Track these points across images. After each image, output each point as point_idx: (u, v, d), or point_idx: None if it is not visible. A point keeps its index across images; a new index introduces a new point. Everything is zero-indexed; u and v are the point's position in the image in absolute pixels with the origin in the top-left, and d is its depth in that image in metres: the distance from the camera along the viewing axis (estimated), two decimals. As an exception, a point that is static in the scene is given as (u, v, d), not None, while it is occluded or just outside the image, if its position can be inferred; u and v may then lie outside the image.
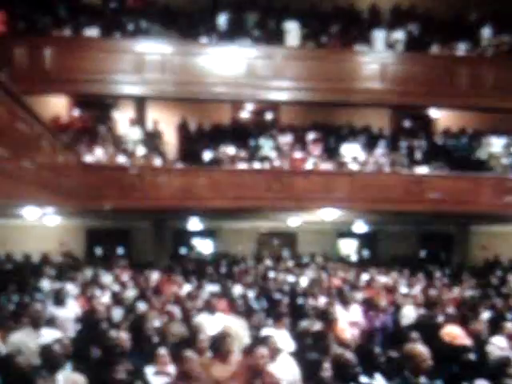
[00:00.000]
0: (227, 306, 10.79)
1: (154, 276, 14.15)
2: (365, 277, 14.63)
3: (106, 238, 18.88)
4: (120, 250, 19.08)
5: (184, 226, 18.99)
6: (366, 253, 21.03)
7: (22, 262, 16.57)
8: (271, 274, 14.71)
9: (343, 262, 18.24)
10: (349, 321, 9.35)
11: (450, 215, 16.85)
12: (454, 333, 7.87)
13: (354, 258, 20.69)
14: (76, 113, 17.88)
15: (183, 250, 19.88)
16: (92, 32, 15.52)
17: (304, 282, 13.79)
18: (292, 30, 16.09)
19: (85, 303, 10.51)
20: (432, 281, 14.20)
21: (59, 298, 9.69)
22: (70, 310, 9.63)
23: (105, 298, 11.10)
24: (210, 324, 8.08)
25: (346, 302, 10.02)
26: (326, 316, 8.30)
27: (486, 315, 9.95)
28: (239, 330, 7.93)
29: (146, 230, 18.63)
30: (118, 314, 9.80)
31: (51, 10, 15.81)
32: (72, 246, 18.31)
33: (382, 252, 20.16)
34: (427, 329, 7.98)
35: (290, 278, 14.26)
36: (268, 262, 16.96)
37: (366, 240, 20.99)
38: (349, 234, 20.55)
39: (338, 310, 9.66)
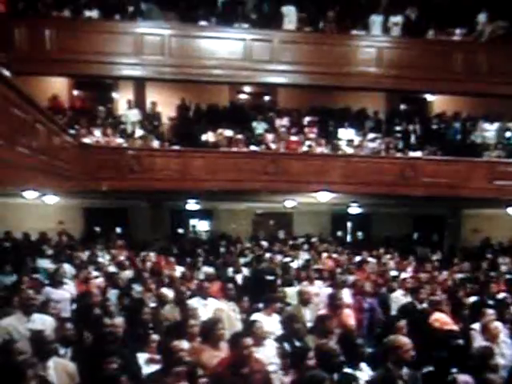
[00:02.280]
0: (220, 288, 11.05)
1: (151, 256, 14.42)
2: (357, 259, 14.90)
3: (104, 216, 19.03)
4: (118, 229, 19.19)
5: (181, 205, 19.19)
6: (359, 234, 21.19)
7: (20, 240, 16.69)
8: (266, 255, 14.91)
9: (338, 242, 18.37)
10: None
11: (443, 199, 17.03)
12: (442, 319, 8.05)
13: (348, 239, 20.86)
14: (76, 93, 18.07)
15: (181, 230, 20.01)
16: (92, 14, 15.61)
17: (298, 263, 14.08)
18: (289, 15, 16.18)
19: (81, 284, 10.65)
20: (423, 264, 14.45)
21: (55, 279, 9.87)
22: (67, 291, 9.80)
23: (101, 279, 11.34)
24: (202, 308, 8.27)
25: (337, 285, 10.19)
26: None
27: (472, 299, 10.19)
28: (231, 313, 8.10)
29: (145, 210, 18.84)
30: (113, 295, 10.01)
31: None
32: (71, 224, 18.51)
33: (375, 233, 20.37)
34: (415, 316, 8.17)
35: (285, 260, 14.45)
36: (263, 243, 17.19)
37: (360, 221, 21.15)
38: (344, 215, 20.68)
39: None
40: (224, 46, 15.46)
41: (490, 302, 9.34)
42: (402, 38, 16.52)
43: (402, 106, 20.15)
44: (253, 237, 18.96)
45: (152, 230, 18.16)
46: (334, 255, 15.48)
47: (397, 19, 16.68)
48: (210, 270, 12.56)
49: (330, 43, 15.98)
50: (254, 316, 7.88)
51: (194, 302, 8.35)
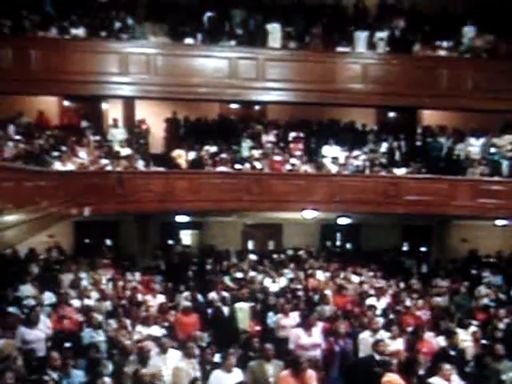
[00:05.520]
0: (197, 320, 11.18)
1: (136, 276, 14.59)
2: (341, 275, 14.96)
3: (94, 230, 19.04)
4: (108, 242, 19.25)
5: (171, 218, 19.23)
6: (349, 245, 21.17)
7: (8, 257, 16.60)
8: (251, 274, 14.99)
9: (325, 256, 18.33)
10: (311, 343, 9.68)
11: (426, 216, 17.13)
12: (395, 380, 8.08)
13: (337, 249, 20.83)
14: (66, 104, 18.25)
15: (171, 241, 19.98)
16: (78, 31, 15.69)
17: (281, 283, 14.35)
18: (273, 32, 16.25)
19: (57, 322, 10.75)
20: (405, 284, 14.57)
21: (31, 319, 10.00)
22: (42, 331, 9.92)
23: (79, 307, 11.55)
24: (162, 363, 8.43)
25: (309, 324, 10.15)
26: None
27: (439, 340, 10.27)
28: (191, 371, 8.17)
29: (134, 223, 18.87)
30: (88, 333, 10.19)
31: (37, 9, 15.93)
32: (61, 238, 18.55)
33: (365, 243, 20.40)
34: (368, 375, 8.23)
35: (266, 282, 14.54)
36: (252, 257, 17.26)
37: (349, 232, 21.09)
38: (333, 225, 20.68)
39: (300, 332, 9.97)
40: (210, 63, 15.71)
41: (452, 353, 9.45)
42: (387, 55, 16.65)
43: (392, 114, 20.22)
44: (241, 251, 18.88)
45: (141, 243, 18.22)
46: (319, 272, 15.44)
47: (382, 34, 16.70)
48: (188, 298, 12.71)
49: (316, 60, 16.16)
50: (214, 375, 7.88)
51: (154, 360, 8.44)
